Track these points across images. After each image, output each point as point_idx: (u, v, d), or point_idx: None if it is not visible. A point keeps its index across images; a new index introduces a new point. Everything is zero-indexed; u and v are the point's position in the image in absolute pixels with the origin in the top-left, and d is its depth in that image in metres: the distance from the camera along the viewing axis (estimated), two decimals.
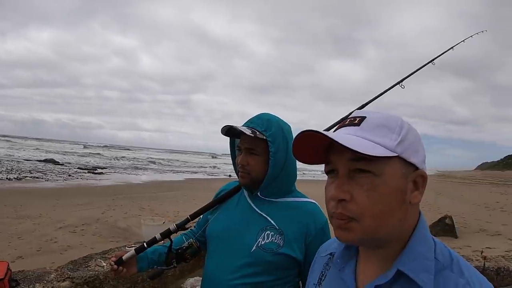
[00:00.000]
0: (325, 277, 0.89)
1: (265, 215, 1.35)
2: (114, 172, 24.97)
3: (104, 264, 2.50)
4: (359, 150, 0.64)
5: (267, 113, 1.40)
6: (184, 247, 1.46)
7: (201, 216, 1.55)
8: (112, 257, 1.43)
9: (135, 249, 1.42)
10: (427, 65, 2.29)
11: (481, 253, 3.74)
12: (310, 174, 35.45)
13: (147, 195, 13.18)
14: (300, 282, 1.42)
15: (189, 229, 1.62)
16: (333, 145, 0.71)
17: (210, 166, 46.32)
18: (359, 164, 0.68)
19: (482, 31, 2.87)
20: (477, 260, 3.85)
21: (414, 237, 0.72)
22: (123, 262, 1.41)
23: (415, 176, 0.71)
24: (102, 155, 48.86)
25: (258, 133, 1.31)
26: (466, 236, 8.22)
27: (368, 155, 0.65)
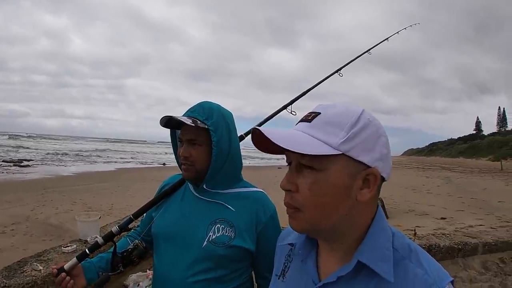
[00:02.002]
0: (288, 269, 0.90)
1: (213, 208, 1.30)
2: (42, 164, 23.35)
3: (41, 267, 2.33)
4: (294, 150, 0.68)
5: (208, 102, 1.34)
6: (129, 249, 1.37)
7: (145, 214, 1.47)
8: (53, 268, 1.30)
9: (76, 257, 1.30)
10: (363, 55, 2.38)
11: (414, 232, 3.99)
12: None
13: (78, 187, 12.46)
14: (253, 272, 1.40)
15: (133, 230, 1.54)
16: None
17: (142, 155, 44.91)
18: (303, 160, 0.71)
19: (416, 24, 3.03)
20: (410, 238, 4.13)
21: (372, 229, 0.74)
22: (66, 272, 1.29)
23: (365, 174, 0.71)
24: (28, 146, 45.45)
25: (199, 122, 1.25)
26: (396, 216, 8.71)
27: (303, 154, 0.68)
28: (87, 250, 1.33)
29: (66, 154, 35.79)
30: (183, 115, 1.29)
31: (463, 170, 32.55)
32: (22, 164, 21.87)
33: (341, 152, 0.68)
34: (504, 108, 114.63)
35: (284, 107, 1.80)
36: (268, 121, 1.76)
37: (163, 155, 45.56)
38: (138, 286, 3.40)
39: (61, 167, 22.30)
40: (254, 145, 0.79)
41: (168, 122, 1.30)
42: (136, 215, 1.42)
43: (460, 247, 4.12)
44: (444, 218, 8.58)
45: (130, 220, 1.39)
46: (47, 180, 14.71)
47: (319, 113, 0.74)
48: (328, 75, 2.11)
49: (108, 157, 36.51)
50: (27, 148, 41.52)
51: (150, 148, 75.71)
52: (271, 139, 0.69)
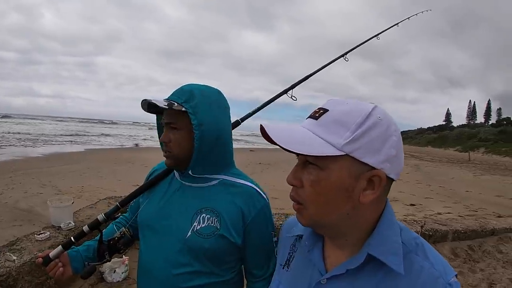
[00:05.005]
0: (293, 259, 0.91)
1: (199, 196, 1.23)
2: (9, 145, 22.48)
3: (15, 258, 2.23)
4: (294, 150, 0.69)
5: (190, 84, 1.24)
6: (116, 238, 1.32)
7: (133, 201, 1.41)
8: (39, 256, 1.25)
9: (62, 245, 1.26)
10: (371, 40, 2.34)
11: (421, 225, 4.07)
12: None
13: (47, 169, 12.09)
14: (242, 266, 1.33)
15: (121, 216, 1.49)
16: None
17: (113, 136, 43.85)
18: (308, 157, 0.72)
19: (428, 10, 2.99)
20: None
21: (381, 223, 0.75)
22: (52, 261, 1.25)
23: (369, 175, 0.69)
24: None
25: (176, 104, 1.17)
26: None
27: (302, 154, 0.70)
28: (72, 238, 1.29)
29: (35, 134, 34.70)
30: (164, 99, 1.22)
31: (432, 159, 33.47)
32: None
33: (344, 153, 0.67)
34: (474, 102, 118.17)
35: (285, 92, 1.76)
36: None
37: (135, 136, 44.97)
38: (114, 272, 3.36)
39: (29, 149, 21.54)
40: (264, 138, 0.77)
41: (149, 106, 1.22)
42: (123, 203, 1.36)
43: (431, 233, 4.27)
44: (414, 205, 8.85)
45: (117, 208, 1.34)
46: (15, 162, 14.22)
47: (327, 110, 0.72)
48: (334, 59, 2.05)
49: (77, 138, 35.67)
50: None
51: (122, 128, 74.29)
52: (272, 138, 0.70)
